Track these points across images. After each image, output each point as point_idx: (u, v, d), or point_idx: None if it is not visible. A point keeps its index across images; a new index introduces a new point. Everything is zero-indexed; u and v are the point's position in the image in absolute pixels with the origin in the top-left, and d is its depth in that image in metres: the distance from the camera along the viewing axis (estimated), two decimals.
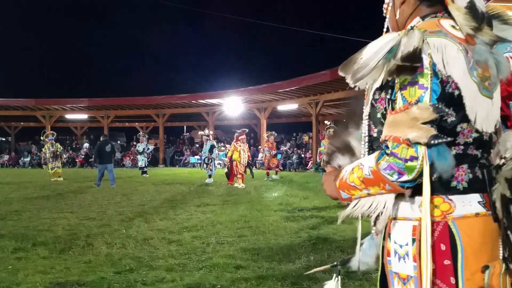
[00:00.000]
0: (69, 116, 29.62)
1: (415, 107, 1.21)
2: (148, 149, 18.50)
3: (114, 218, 7.14)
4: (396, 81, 1.26)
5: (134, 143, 31.50)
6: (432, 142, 1.18)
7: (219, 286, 3.70)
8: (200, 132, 15.80)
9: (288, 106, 23.87)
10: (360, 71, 1.28)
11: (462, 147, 1.30)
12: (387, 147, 1.24)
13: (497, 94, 1.37)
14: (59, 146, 16.70)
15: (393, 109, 1.26)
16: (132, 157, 27.52)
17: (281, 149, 24.72)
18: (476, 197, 1.30)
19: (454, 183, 1.29)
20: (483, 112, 1.30)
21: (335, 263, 1.71)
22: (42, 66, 44.80)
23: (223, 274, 3.99)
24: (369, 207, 1.35)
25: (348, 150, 1.58)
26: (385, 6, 1.48)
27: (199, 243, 5.29)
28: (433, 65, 1.23)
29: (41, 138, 16.97)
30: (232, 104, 25.03)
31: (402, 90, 1.24)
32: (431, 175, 1.24)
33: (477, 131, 1.31)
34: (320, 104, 20.68)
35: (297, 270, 4.07)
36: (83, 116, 30.03)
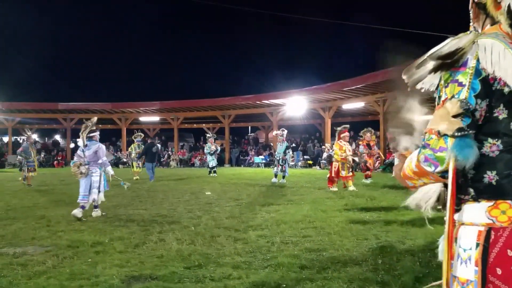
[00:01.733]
0: (142, 118, 31.31)
1: (449, 102, 1.31)
2: (218, 149, 18.86)
3: (184, 216, 7.44)
4: (441, 80, 1.37)
5: (202, 143, 32.63)
6: (456, 134, 1.26)
7: (284, 286, 3.71)
8: (276, 132, 15.14)
9: (354, 105, 23.31)
10: (416, 74, 1.41)
11: None
12: (424, 139, 1.35)
13: None
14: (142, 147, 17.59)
15: (438, 104, 1.38)
16: (199, 157, 28.44)
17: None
18: None
19: None
20: None
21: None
22: (117, 71, 47.83)
23: (288, 274, 4.01)
24: (429, 195, 1.49)
25: (407, 128, 1.69)
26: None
27: (264, 242, 5.35)
28: (477, 64, 1.31)
29: (133, 138, 17.99)
30: (296, 104, 24.95)
31: (446, 88, 1.36)
32: (490, 178, 1.32)
33: None
34: (388, 102, 19.94)
35: (364, 273, 3.97)
36: (155, 118, 31.58)
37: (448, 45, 1.33)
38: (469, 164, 1.28)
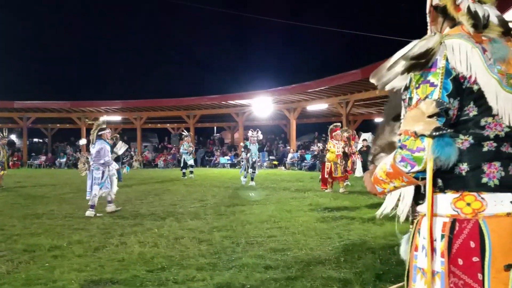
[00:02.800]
0: (103, 118, 30.41)
1: (423, 103, 1.33)
2: (193, 149, 18.17)
3: (147, 218, 7.29)
4: (412, 81, 1.39)
5: (166, 143, 32.16)
6: (434, 133, 1.28)
7: (248, 286, 3.71)
8: (251, 133, 14.01)
9: (318, 106, 23.68)
10: (386, 76, 1.42)
11: (494, 143, 1.35)
12: (399, 140, 1.36)
13: None
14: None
15: (409, 106, 1.39)
16: (164, 158, 28.01)
17: (312, 149, 24.56)
18: (508, 197, 1.34)
19: (485, 179, 1.33)
20: (509, 106, 1.35)
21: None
22: (76, 69, 46.31)
23: (253, 274, 4.00)
24: (397, 200, 1.54)
25: (390, 149, 1.69)
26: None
27: (229, 243, 5.32)
28: (446, 64, 1.34)
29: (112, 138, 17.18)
30: (262, 105, 25.06)
31: (417, 89, 1.37)
32: (461, 169, 1.35)
33: (508, 125, 1.36)
34: (351, 104, 20.41)
35: (327, 272, 4.03)
36: (117, 118, 30.78)
37: (417, 46, 1.35)
38: (452, 162, 1.30)
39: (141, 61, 48.15)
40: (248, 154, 13.59)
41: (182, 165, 17.20)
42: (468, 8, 1.41)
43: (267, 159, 25.90)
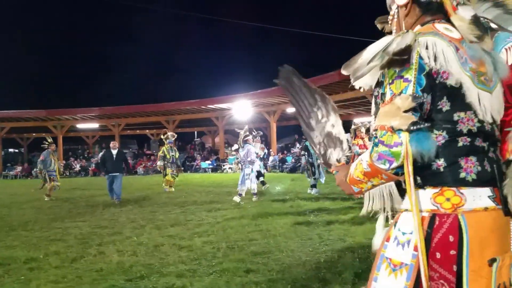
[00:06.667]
0: (80, 125, 29.99)
1: (398, 98, 1.32)
2: (265, 153, 14.52)
3: (126, 226, 7.18)
4: (385, 77, 1.38)
5: (146, 150, 31.80)
6: (412, 128, 1.29)
7: None
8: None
9: None
10: (360, 70, 1.39)
11: (468, 138, 1.36)
12: (376, 137, 1.35)
13: (497, 91, 1.43)
14: (177, 150, 14.24)
15: (383, 102, 1.38)
16: (143, 164, 27.70)
17: (292, 151, 24.69)
18: (486, 192, 1.36)
19: (463, 174, 1.35)
20: (478, 102, 1.37)
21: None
22: (52, 77, 45.52)
23: (233, 279, 3.98)
24: (380, 199, 1.47)
25: (333, 141, 1.71)
26: (390, 18, 1.61)
27: (209, 248, 5.29)
28: (420, 60, 1.34)
29: (161, 137, 14.43)
30: (242, 108, 25.08)
31: (391, 85, 1.37)
32: (438, 165, 1.35)
33: (479, 120, 1.38)
34: None
35: (307, 273, 4.05)
36: (94, 125, 30.37)
37: (395, 42, 1.33)
38: (432, 155, 1.31)
39: (118, 67, 47.66)
40: (311, 159, 11.31)
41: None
42: (476, 16, 1.41)
43: None
